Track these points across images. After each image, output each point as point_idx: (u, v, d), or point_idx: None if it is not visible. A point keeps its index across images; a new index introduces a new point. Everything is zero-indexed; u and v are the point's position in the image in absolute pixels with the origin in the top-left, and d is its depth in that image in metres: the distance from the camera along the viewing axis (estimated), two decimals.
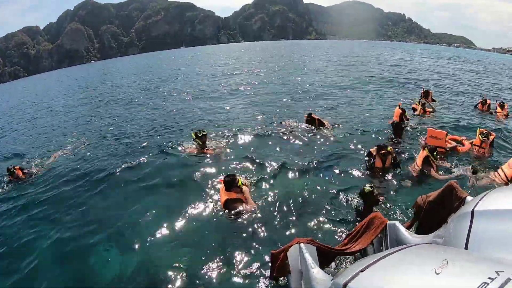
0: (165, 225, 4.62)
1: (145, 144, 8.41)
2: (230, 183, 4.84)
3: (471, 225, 1.21)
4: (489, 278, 0.85)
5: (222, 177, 5.21)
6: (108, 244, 4.40)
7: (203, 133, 7.19)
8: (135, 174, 6.53)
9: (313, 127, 8.62)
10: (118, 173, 6.62)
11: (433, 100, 11.51)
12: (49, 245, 4.55)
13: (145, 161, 7.10)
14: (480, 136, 6.66)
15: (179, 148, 7.68)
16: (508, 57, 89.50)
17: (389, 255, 1.19)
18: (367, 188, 4.16)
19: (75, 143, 9.45)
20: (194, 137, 7.17)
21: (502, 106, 10.41)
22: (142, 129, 10.25)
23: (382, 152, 5.84)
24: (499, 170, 5.48)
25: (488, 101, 11.10)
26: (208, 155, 7.05)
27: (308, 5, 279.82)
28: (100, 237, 4.53)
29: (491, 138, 6.71)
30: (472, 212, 1.25)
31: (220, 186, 5.07)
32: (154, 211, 5.05)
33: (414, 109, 10.13)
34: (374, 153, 5.95)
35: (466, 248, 1.17)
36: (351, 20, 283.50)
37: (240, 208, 4.77)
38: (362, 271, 1.12)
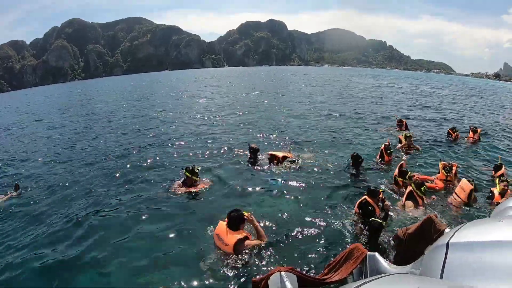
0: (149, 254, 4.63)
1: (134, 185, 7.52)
2: (238, 220, 4.39)
3: (446, 256, 1.27)
4: None
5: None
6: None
7: (197, 168, 6.99)
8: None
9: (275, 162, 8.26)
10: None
11: (406, 128, 12.32)
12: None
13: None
14: (443, 171, 6.96)
15: (169, 190, 6.91)
16: (486, 82, 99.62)
17: (364, 283, 1.18)
18: (378, 221, 4.26)
19: (44, 175, 8.66)
20: (190, 175, 6.78)
21: (474, 131, 11.17)
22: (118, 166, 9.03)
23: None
24: (455, 195, 6.00)
25: (457, 133, 11.55)
26: (200, 190, 6.80)
27: (293, 32, 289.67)
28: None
29: (454, 170, 7.06)
30: (448, 244, 1.32)
31: (219, 225, 4.52)
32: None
33: (400, 141, 10.11)
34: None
35: (441, 278, 1.24)
36: (333, 47, 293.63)
37: (251, 245, 4.41)
38: None
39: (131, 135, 13.43)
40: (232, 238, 4.30)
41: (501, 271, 1.09)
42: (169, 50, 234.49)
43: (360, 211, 5.39)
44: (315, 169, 8.07)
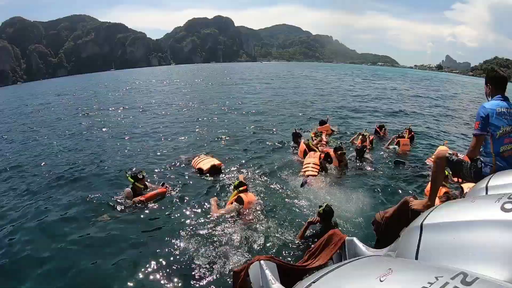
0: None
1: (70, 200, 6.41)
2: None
3: (421, 238, 1.31)
4: (428, 283, 0.92)
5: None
6: None
7: (143, 174, 6.25)
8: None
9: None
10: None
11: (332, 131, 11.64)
12: None
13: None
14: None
15: (113, 202, 6.03)
16: (429, 73, 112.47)
17: (340, 266, 1.27)
18: (326, 207, 4.27)
19: None
20: (133, 181, 6.00)
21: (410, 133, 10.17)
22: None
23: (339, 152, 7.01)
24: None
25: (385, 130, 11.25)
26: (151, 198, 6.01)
27: (239, 28, 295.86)
28: None
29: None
30: (421, 225, 1.36)
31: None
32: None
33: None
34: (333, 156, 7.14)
35: (416, 259, 1.28)
36: (280, 43, 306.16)
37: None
38: (314, 282, 1.19)
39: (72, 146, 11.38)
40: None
41: (473, 250, 1.14)
42: (114, 48, 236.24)
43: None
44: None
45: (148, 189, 6.29)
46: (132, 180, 6.05)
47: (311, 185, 6.53)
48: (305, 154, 8.02)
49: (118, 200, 6.06)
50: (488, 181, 2.01)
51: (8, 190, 7.38)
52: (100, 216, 5.59)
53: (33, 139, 13.15)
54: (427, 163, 7.91)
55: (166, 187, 6.42)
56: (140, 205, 5.88)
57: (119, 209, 5.82)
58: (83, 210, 5.95)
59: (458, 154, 3.49)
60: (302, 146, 8.43)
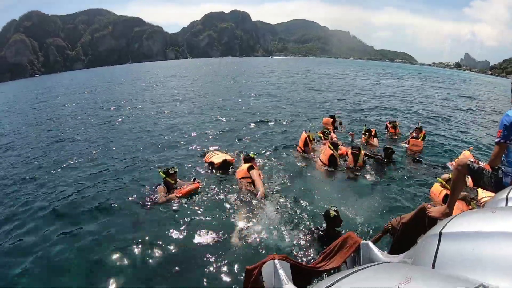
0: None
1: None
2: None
3: (439, 246, 1.29)
4: None
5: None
6: None
7: (175, 169, 6.23)
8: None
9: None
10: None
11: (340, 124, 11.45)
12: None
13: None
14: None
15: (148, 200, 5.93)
16: (448, 71, 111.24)
17: (356, 271, 1.24)
18: (332, 212, 4.28)
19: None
20: (164, 176, 6.07)
21: (419, 131, 9.54)
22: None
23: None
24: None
25: (398, 123, 10.90)
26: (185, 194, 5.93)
27: (256, 22, 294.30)
28: None
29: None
30: (440, 233, 1.33)
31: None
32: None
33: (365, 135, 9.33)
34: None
35: (433, 268, 1.25)
36: (297, 38, 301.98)
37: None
38: (329, 286, 1.17)
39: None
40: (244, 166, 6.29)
41: (492, 262, 1.11)
42: (131, 42, 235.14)
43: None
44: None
45: (178, 185, 6.32)
46: (164, 176, 6.18)
47: (324, 186, 6.69)
48: (305, 144, 8.40)
49: (151, 197, 6.09)
50: (509, 192, 1.97)
51: (55, 185, 7.39)
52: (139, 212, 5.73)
53: (60, 132, 13.42)
54: (449, 166, 7.63)
55: (198, 182, 6.39)
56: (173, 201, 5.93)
57: (149, 206, 5.88)
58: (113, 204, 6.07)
59: (480, 162, 3.63)
60: (303, 135, 8.54)
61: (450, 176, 5.37)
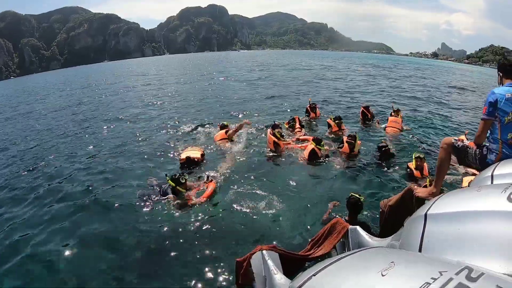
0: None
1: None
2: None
3: (425, 228, 1.28)
4: (432, 278, 0.90)
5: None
6: None
7: (186, 177, 5.60)
8: None
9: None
10: None
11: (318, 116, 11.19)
12: None
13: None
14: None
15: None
16: (423, 60, 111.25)
17: (341, 258, 1.23)
18: (356, 197, 3.93)
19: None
20: (174, 184, 5.44)
21: (397, 112, 9.63)
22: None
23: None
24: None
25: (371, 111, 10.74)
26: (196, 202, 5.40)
27: (234, 16, 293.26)
28: None
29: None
30: (425, 215, 1.32)
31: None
32: None
33: (329, 125, 9.19)
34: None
35: (420, 250, 1.24)
36: (275, 31, 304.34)
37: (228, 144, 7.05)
38: (314, 274, 1.16)
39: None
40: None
41: (478, 242, 1.11)
42: (107, 40, 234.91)
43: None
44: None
45: (190, 189, 5.83)
46: (174, 184, 5.53)
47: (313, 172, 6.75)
48: (275, 145, 7.65)
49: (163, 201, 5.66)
50: (494, 169, 1.97)
51: (65, 182, 7.20)
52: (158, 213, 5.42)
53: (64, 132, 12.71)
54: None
55: (212, 180, 5.97)
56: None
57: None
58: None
59: (464, 141, 3.63)
60: (270, 137, 7.66)
61: (421, 155, 5.90)
